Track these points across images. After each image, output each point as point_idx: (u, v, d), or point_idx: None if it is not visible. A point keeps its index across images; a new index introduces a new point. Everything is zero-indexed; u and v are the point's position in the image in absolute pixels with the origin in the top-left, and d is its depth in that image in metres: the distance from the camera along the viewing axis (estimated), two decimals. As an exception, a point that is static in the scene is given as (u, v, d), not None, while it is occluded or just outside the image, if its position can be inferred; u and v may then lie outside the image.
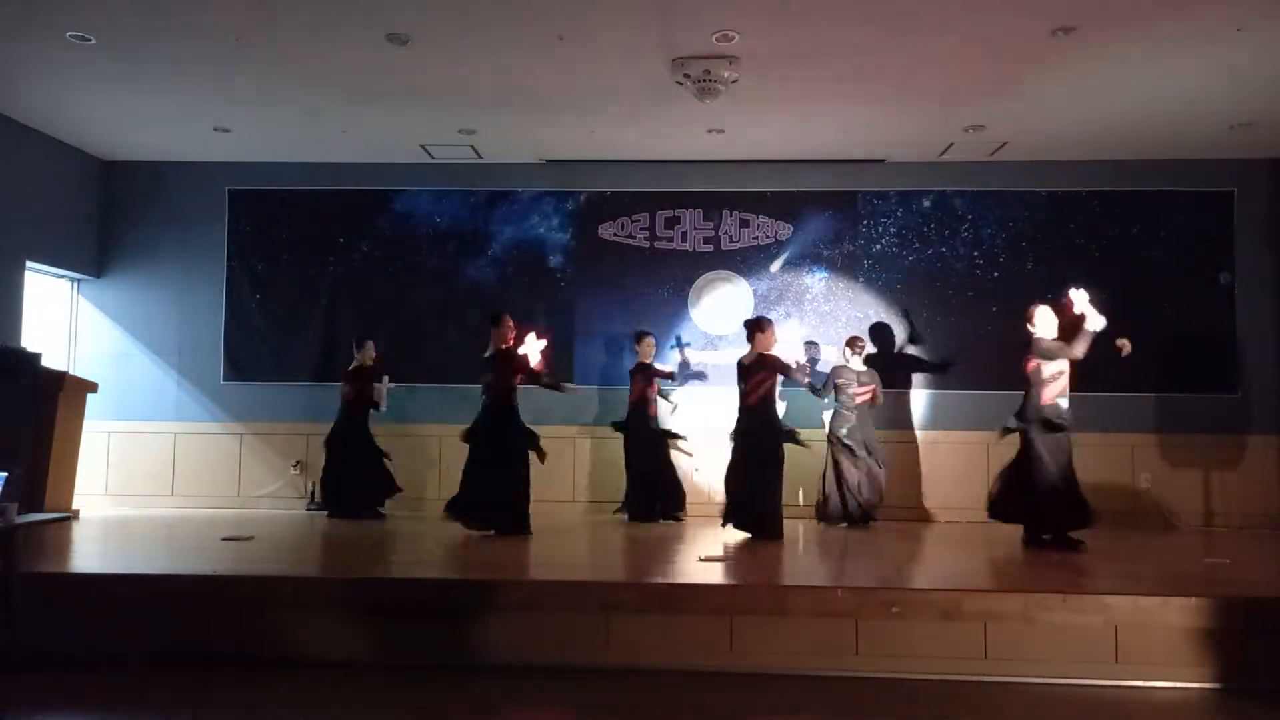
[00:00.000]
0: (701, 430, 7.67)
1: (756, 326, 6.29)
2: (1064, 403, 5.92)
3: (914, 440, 7.94)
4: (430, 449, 8.05)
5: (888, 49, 5.81)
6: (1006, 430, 6.11)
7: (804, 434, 6.54)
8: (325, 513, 7.48)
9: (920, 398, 7.96)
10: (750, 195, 8.19)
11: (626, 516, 7.28)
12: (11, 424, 6.51)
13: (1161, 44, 5.70)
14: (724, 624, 4.35)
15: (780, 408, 6.52)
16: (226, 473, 8.14)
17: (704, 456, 7.69)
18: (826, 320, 8.04)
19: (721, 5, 5.27)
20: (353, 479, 7.39)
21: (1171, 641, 4.20)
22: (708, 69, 5.93)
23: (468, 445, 6.37)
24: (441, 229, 8.34)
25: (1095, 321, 5.95)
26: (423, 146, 7.90)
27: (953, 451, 7.84)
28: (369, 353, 7.58)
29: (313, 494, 7.93)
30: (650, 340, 7.55)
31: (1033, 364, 5.99)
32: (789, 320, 7.96)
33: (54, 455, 6.85)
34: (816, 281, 8.12)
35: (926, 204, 8.15)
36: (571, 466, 7.95)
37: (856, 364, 7.28)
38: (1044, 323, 6.07)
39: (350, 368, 7.58)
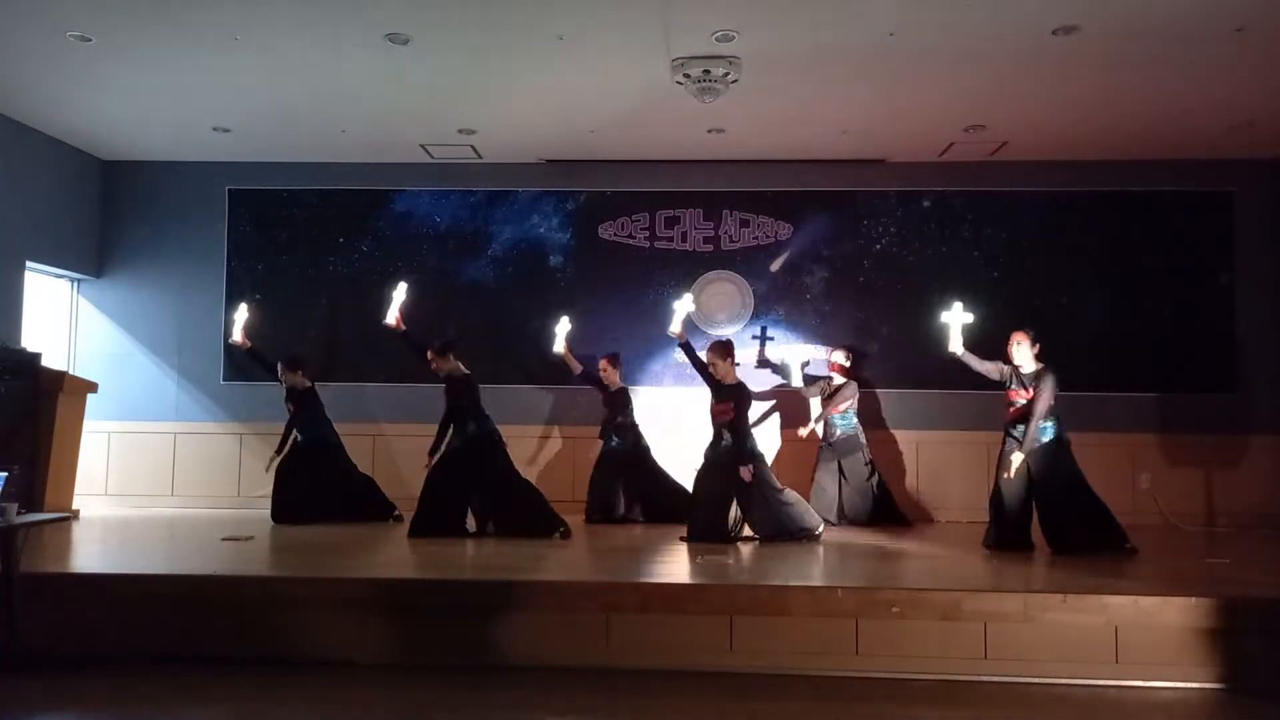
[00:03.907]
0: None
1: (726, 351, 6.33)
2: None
3: (914, 440, 7.94)
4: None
5: (888, 49, 5.81)
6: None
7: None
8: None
9: (920, 398, 7.95)
10: (750, 195, 8.19)
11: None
12: (11, 424, 6.53)
13: (1161, 44, 5.70)
14: (724, 624, 4.35)
15: None
16: (226, 473, 8.14)
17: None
18: (826, 320, 8.04)
19: (721, 5, 5.27)
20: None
21: (1171, 641, 4.21)
22: (708, 69, 5.93)
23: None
24: (441, 229, 8.34)
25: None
26: (423, 146, 7.90)
27: (953, 451, 7.84)
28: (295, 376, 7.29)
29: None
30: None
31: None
32: (789, 320, 7.98)
33: (54, 455, 6.85)
34: (816, 281, 8.12)
35: (926, 204, 8.14)
36: (571, 467, 7.95)
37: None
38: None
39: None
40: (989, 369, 6.08)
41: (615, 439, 7.33)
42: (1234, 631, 4.19)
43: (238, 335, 7.36)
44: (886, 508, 7.27)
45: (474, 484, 6.46)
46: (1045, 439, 5.82)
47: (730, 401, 6.20)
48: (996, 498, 5.96)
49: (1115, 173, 7.97)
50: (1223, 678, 4.16)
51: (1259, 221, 7.92)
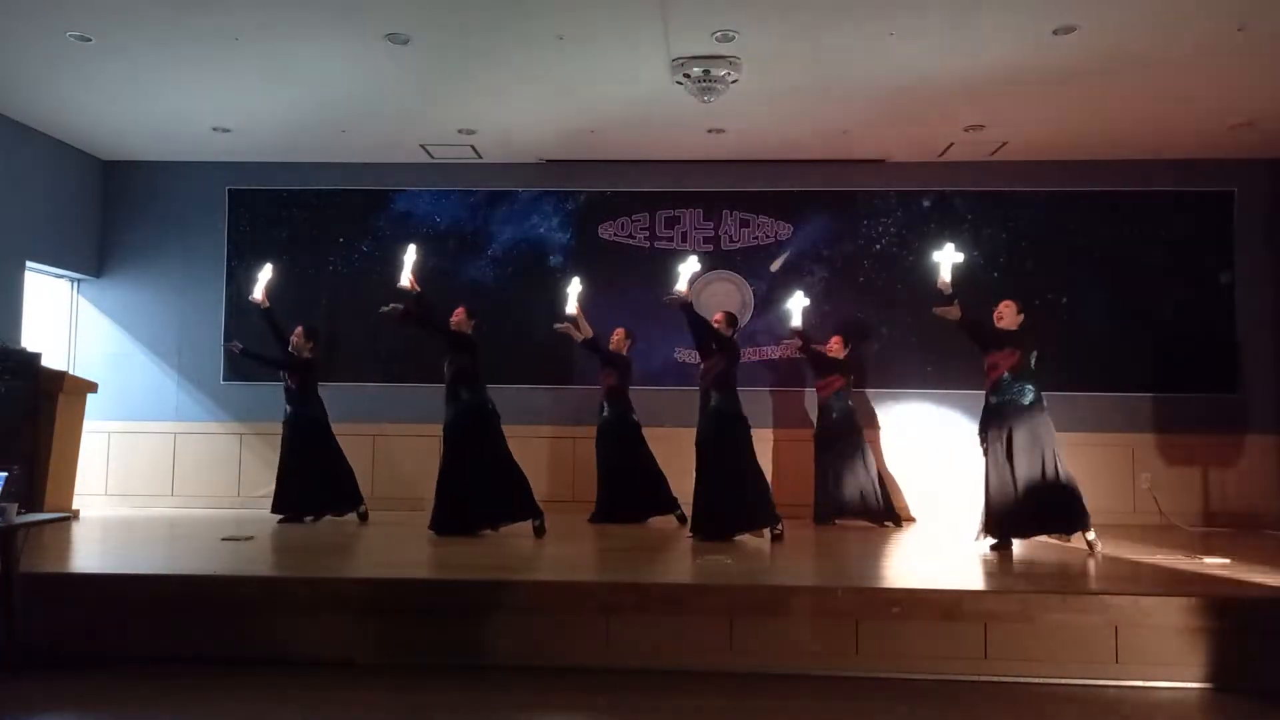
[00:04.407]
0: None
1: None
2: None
3: (914, 440, 7.94)
4: (430, 449, 8.04)
5: (888, 49, 5.81)
6: None
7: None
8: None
9: (919, 398, 7.96)
10: (750, 195, 8.19)
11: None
12: (11, 424, 6.53)
13: (1161, 44, 5.70)
14: (724, 624, 4.35)
15: None
16: (226, 473, 8.14)
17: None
18: (826, 320, 8.02)
19: (721, 5, 5.27)
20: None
21: (1171, 641, 4.20)
22: (708, 69, 5.93)
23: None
24: (441, 229, 8.35)
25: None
26: (423, 146, 7.90)
27: (952, 451, 7.83)
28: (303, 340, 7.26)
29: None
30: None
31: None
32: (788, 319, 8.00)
33: (54, 455, 6.85)
34: (816, 281, 8.12)
35: (926, 204, 8.15)
36: (571, 467, 7.95)
37: None
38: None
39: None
40: (972, 322, 6.01)
41: (607, 408, 7.26)
42: (1234, 631, 4.19)
43: (259, 294, 7.17)
44: (882, 503, 7.23)
45: (477, 472, 6.34)
46: (1025, 401, 5.79)
47: (721, 356, 6.25)
48: (988, 491, 5.92)
49: (1115, 173, 7.97)
50: (1222, 678, 4.15)
51: (1259, 221, 7.92)
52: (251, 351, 7.25)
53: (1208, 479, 7.71)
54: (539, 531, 6.31)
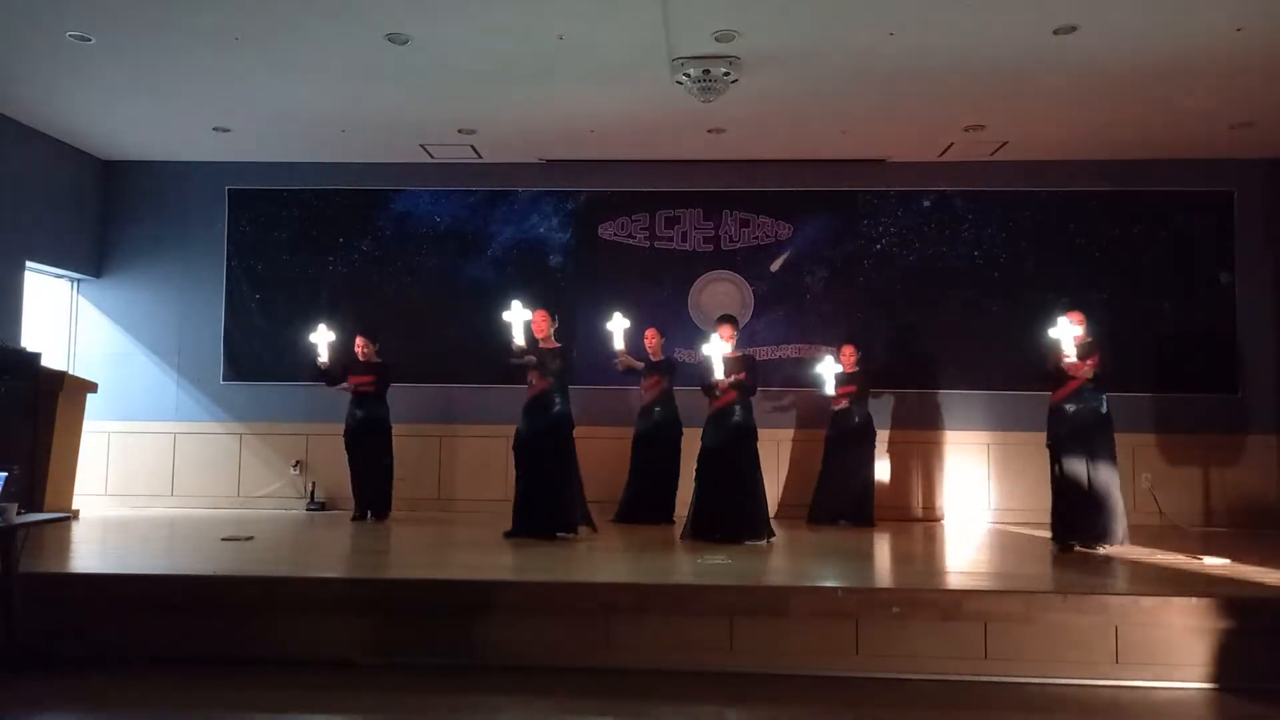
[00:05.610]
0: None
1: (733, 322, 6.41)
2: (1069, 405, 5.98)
3: (914, 440, 7.94)
4: (432, 449, 8.06)
5: (887, 49, 5.81)
6: None
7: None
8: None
9: (920, 398, 7.95)
10: (750, 195, 8.19)
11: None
12: (11, 424, 6.52)
13: (1161, 44, 5.70)
14: (724, 624, 4.35)
15: None
16: (226, 473, 8.15)
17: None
18: (826, 320, 8.04)
19: (721, 5, 5.27)
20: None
21: (1171, 641, 4.21)
22: (708, 69, 5.93)
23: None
24: (441, 229, 8.35)
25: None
26: (423, 146, 7.91)
27: (953, 452, 7.84)
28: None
29: (312, 494, 7.95)
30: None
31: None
32: (789, 320, 7.99)
33: (54, 455, 6.84)
34: (816, 281, 8.12)
35: (926, 204, 8.15)
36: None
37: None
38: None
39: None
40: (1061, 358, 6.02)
41: (659, 411, 7.19)
42: (1234, 631, 4.19)
43: (325, 357, 7.20)
44: (861, 506, 7.17)
45: (556, 479, 6.24)
46: (1103, 410, 5.92)
47: (743, 368, 6.22)
48: (1063, 496, 5.96)
49: (1115, 173, 7.97)
50: (1222, 678, 4.15)
51: (1259, 221, 7.92)
52: (328, 368, 7.30)
53: (1208, 479, 7.71)
54: (565, 535, 6.21)
